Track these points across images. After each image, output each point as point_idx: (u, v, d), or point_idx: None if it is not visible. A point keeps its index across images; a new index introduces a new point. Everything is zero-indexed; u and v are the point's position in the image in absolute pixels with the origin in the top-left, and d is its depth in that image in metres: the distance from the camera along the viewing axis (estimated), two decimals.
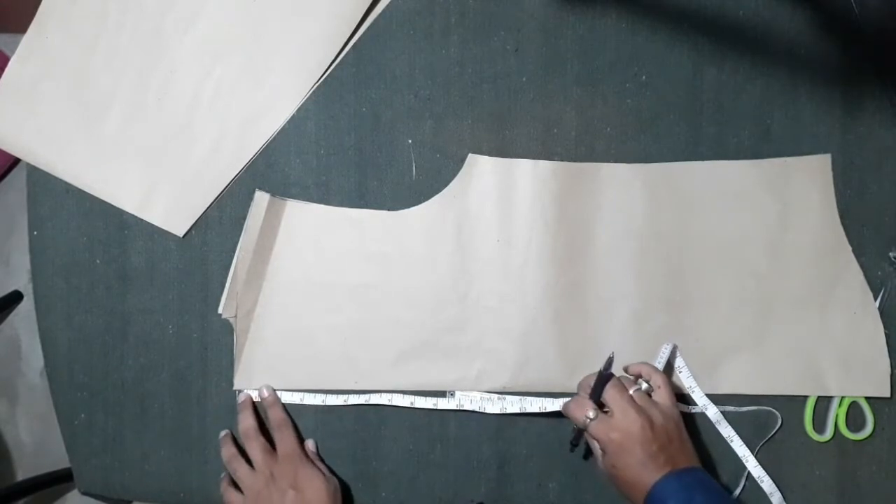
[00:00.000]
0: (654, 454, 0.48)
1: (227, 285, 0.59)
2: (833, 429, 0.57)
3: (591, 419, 0.50)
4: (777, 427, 0.57)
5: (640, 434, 0.48)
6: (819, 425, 0.58)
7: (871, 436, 0.57)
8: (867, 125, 0.57)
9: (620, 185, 0.57)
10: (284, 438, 0.57)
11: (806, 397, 0.57)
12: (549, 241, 0.57)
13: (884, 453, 0.57)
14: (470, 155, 0.58)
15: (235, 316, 0.59)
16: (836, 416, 0.57)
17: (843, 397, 0.57)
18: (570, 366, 0.57)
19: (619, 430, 0.49)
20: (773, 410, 0.57)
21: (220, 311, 0.59)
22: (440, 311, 0.58)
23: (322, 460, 0.59)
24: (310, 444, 0.59)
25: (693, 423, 0.58)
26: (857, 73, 0.57)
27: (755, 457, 0.57)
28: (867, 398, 0.57)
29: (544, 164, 0.57)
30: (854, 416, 0.58)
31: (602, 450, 0.50)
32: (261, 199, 0.59)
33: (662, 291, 0.57)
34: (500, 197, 0.57)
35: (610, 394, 0.51)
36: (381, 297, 0.58)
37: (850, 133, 0.57)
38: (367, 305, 0.58)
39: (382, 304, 0.58)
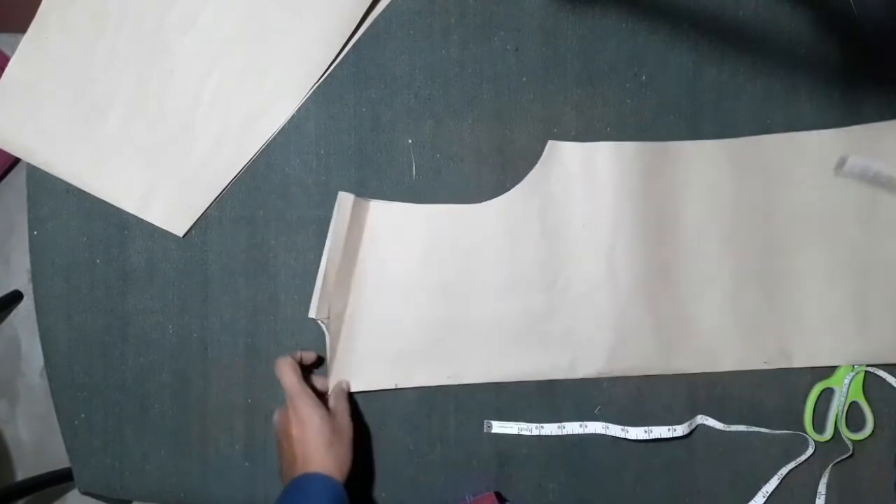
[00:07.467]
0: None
1: (318, 288, 0.56)
2: (833, 429, 0.57)
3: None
4: (808, 454, 0.57)
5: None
6: (819, 425, 0.58)
7: (871, 436, 0.57)
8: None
9: (705, 161, 0.56)
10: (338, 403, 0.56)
11: (806, 397, 0.57)
12: (638, 223, 0.56)
13: (884, 453, 0.57)
14: (550, 142, 0.57)
15: (328, 318, 0.57)
16: (836, 416, 0.57)
17: (843, 398, 0.57)
18: (665, 347, 0.57)
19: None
20: (805, 435, 0.57)
21: (310, 314, 0.56)
22: (529, 300, 0.57)
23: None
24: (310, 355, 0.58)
25: (700, 442, 0.58)
26: (857, 73, 0.57)
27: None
28: (867, 398, 0.57)
29: (626, 146, 0.56)
30: (854, 416, 0.58)
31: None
32: (345, 200, 0.57)
33: (755, 267, 0.56)
34: (583, 181, 0.56)
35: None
36: (469, 291, 0.57)
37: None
38: (456, 300, 0.57)
39: (471, 298, 0.57)
